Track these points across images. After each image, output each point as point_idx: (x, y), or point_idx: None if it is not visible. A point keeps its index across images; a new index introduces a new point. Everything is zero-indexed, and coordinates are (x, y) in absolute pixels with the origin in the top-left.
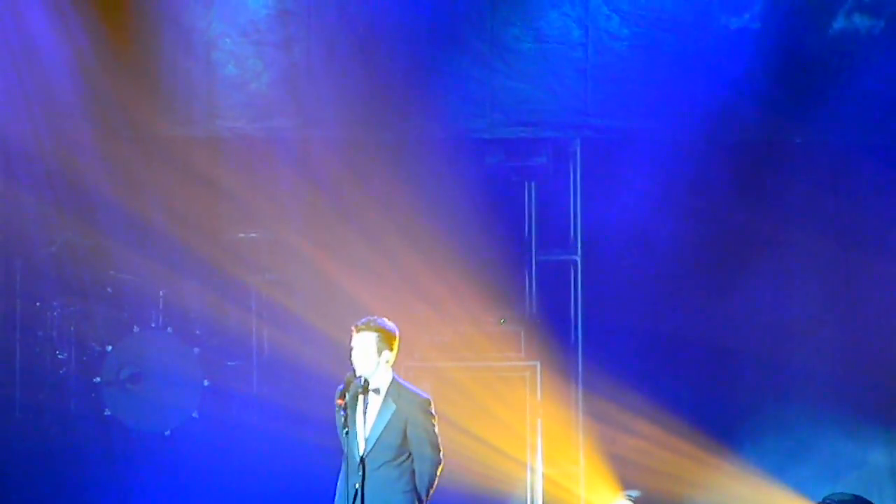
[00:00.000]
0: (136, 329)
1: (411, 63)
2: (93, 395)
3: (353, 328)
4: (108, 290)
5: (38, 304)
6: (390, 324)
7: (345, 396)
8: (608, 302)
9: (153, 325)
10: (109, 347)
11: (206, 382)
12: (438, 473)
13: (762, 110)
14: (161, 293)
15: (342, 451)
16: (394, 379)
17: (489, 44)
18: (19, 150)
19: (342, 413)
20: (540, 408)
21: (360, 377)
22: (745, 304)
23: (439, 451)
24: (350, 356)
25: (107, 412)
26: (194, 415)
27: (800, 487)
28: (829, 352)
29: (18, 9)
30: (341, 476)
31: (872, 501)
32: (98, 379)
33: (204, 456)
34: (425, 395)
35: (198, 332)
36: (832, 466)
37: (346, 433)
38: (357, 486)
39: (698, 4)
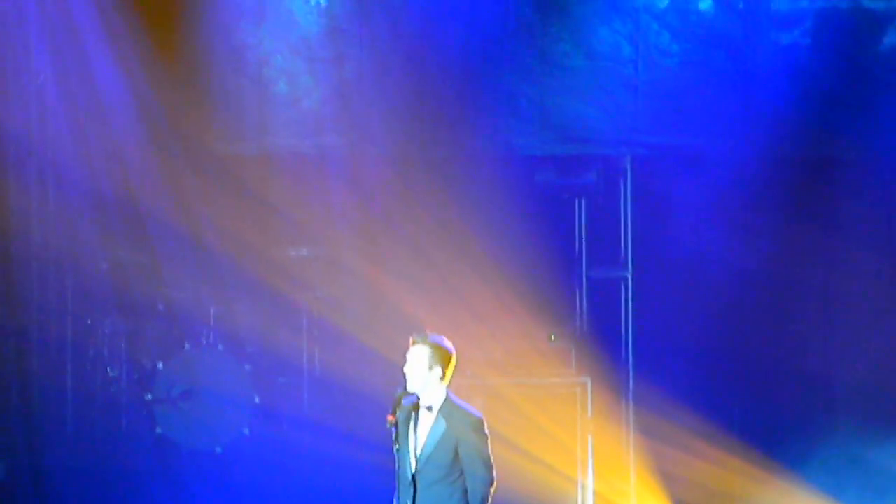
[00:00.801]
0: (186, 346)
1: (462, 79)
2: (144, 412)
3: (417, 343)
4: (160, 307)
5: (89, 321)
6: (448, 342)
7: (395, 414)
8: (659, 319)
9: (204, 343)
10: (160, 364)
11: (256, 400)
12: (492, 492)
13: (813, 126)
14: (212, 310)
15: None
16: (447, 397)
17: (540, 60)
18: (71, 170)
19: (393, 430)
20: (590, 424)
21: (412, 394)
22: (797, 321)
23: (492, 469)
24: (406, 368)
25: (158, 430)
26: (245, 432)
27: (844, 501)
28: (883, 367)
29: (72, 27)
30: (395, 496)
31: None
32: (149, 396)
33: (255, 474)
34: (478, 413)
35: (248, 349)
36: (882, 483)
37: (398, 450)
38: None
39: (748, 21)
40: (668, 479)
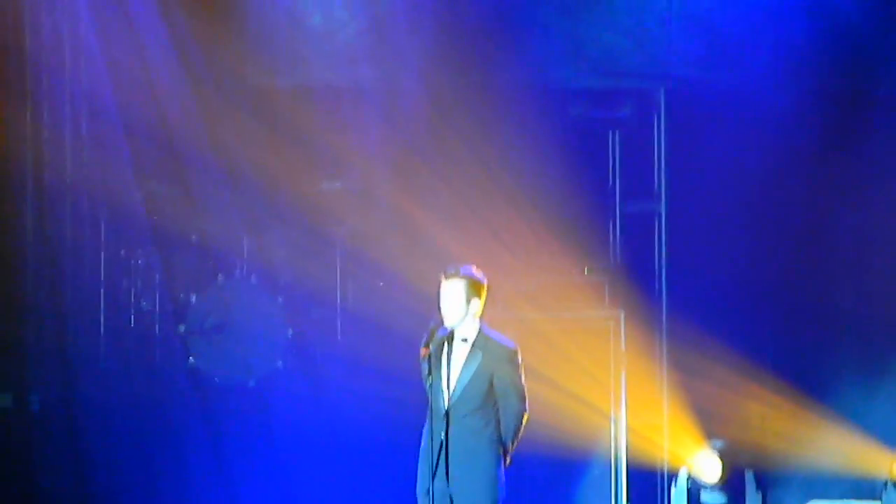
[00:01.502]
0: (220, 279)
1: (496, 12)
2: (177, 345)
3: (441, 275)
4: (193, 239)
5: (122, 254)
6: (479, 272)
7: (429, 346)
8: (693, 253)
9: (237, 275)
10: (193, 297)
11: (290, 333)
12: (524, 423)
13: (846, 61)
14: (245, 243)
15: (427, 402)
16: (481, 328)
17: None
18: (104, 101)
19: (426, 364)
20: (624, 358)
21: (445, 327)
22: (832, 256)
23: (525, 400)
24: (437, 305)
25: (191, 362)
26: (279, 365)
27: (886, 438)
28: None
29: None
30: (426, 428)
31: None
32: (182, 329)
33: (289, 407)
34: (512, 344)
35: (282, 282)
36: None
37: (431, 384)
38: (442, 436)
39: None
40: (701, 413)
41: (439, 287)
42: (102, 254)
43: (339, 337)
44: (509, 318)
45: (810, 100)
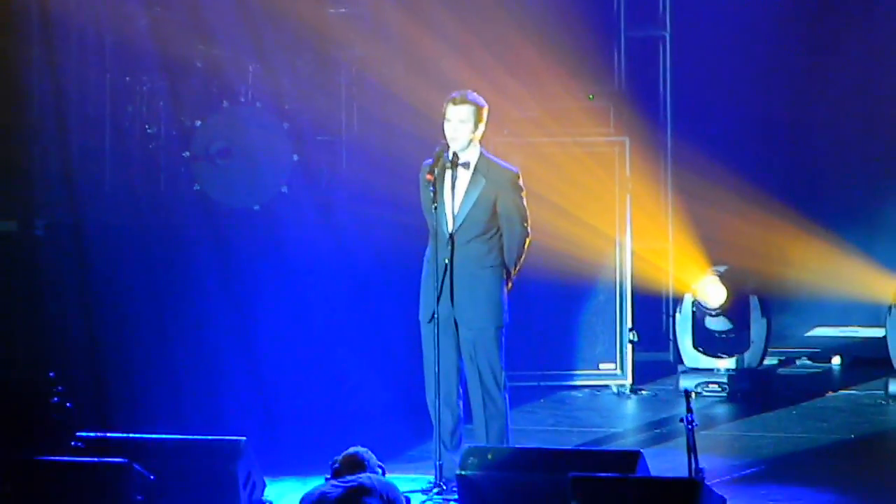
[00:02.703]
0: (225, 104)
1: None
2: (182, 169)
3: (448, 101)
4: (198, 64)
5: (127, 78)
6: (481, 98)
7: (434, 172)
8: (698, 79)
9: (242, 100)
10: (198, 122)
11: (295, 158)
12: (526, 247)
13: None
14: (251, 68)
15: (428, 228)
16: (482, 153)
17: None
18: None
19: (431, 189)
20: (629, 183)
21: (447, 152)
22: (830, 85)
23: (527, 223)
24: (442, 131)
25: (196, 187)
26: (283, 190)
27: (890, 264)
28: None
29: None
30: (429, 253)
31: None
32: (187, 153)
33: (295, 231)
34: (514, 168)
35: (287, 107)
36: None
37: (435, 208)
38: (446, 261)
39: None
40: (706, 239)
41: (445, 112)
42: (107, 79)
43: (343, 161)
44: (515, 142)
45: None
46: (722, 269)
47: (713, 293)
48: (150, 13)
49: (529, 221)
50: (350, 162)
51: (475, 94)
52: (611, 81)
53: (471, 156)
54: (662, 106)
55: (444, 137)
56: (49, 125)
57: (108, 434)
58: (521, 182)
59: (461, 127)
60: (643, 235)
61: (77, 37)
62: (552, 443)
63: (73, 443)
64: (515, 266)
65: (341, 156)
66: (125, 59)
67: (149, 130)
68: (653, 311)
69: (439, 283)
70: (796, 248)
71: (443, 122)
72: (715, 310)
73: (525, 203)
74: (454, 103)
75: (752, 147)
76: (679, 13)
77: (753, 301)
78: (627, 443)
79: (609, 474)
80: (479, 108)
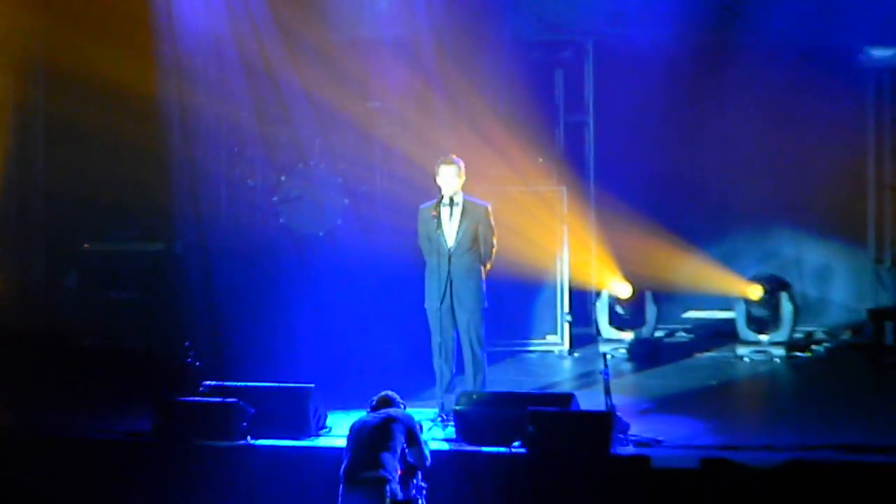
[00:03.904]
0: (300, 165)
1: None
2: (272, 209)
3: (441, 162)
4: (282, 139)
5: (236, 148)
6: (461, 160)
7: (437, 210)
8: (611, 147)
9: (311, 163)
10: (283, 177)
11: (346, 201)
12: (494, 254)
13: (719, 15)
14: (317, 142)
15: (425, 254)
16: (464, 196)
17: None
18: (229, 53)
19: (435, 221)
20: (567, 218)
21: (444, 196)
22: (710, 151)
23: (495, 239)
24: (437, 181)
25: (281, 220)
26: (338, 222)
27: (739, 270)
28: (767, 184)
29: None
30: (430, 266)
31: (789, 282)
32: (275, 198)
33: (347, 249)
34: (486, 203)
35: (340, 168)
36: (755, 257)
37: (439, 234)
38: (447, 269)
39: None
40: (616, 253)
41: (438, 170)
42: (224, 149)
43: (378, 204)
44: (490, 189)
45: (691, 47)
46: (627, 273)
47: (621, 289)
48: (254, 102)
49: (496, 239)
50: (382, 205)
51: (458, 157)
52: (554, 150)
53: (458, 198)
54: (588, 166)
55: (440, 187)
56: (185, 181)
57: (224, 383)
58: (490, 213)
59: (453, 178)
60: (575, 251)
61: (203, 118)
62: (516, 388)
63: (200, 388)
64: (488, 263)
65: (376, 201)
66: (236, 134)
67: (250, 182)
68: (582, 301)
69: (442, 284)
70: (676, 260)
71: (435, 177)
72: (622, 300)
73: (493, 227)
74: (446, 164)
75: (648, 192)
76: (599, 105)
77: (648, 294)
78: (565, 388)
79: (553, 408)
80: (461, 166)
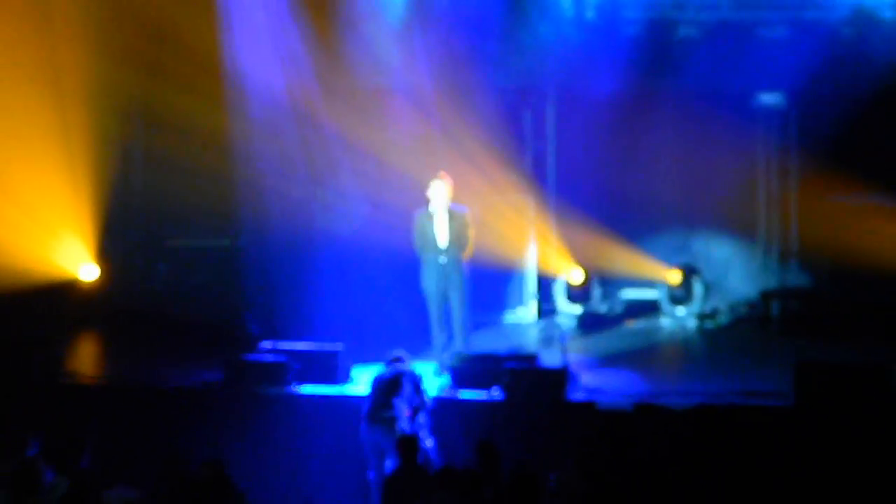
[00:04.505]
0: (332, 181)
1: (472, 53)
2: (314, 214)
3: (435, 179)
4: (319, 162)
5: (284, 170)
6: (449, 177)
7: (431, 217)
8: (568, 169)
9: (341, 180)
10: (320, 190)
11: (367, 208)
12: (471, 245)
13: (646, 70)
14: (345, 164)
15: (419, 254)
16: (450, 205)
17: (509, 47)
18: (277, 94)
19: (430, 224)
20: (534, 221)
21: (436, 205)
22: (642, 171)
23: (471, 232)
24: (429, 194)
25: (318, 223)
26: (361, 224)
27: (663, 260)
28: (684, 196)
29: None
30: (426, 261)
31: (700, 269)
32: (314, 206)
33: (369, 241)
34: (466, 209)
35: (362, 181)
36: (675, 250)
37: (434, 234)
38: (443, 261)
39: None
40: (572, 248)
41: (431, 185)
42: (274, 169)
43: (390, 213)
44: (475, 200)
45: (629, 91)
46: (579, 262)
47: (574, 274)
48: (298, 134)
49: (472, 233)
50: (393, 211)
51: (447, 176)
52: (523, 170)
53: (447, 206)
54: (549, 182)
55: (432, 198)
56: (246, 193)
57: (275, 344)
58: (468, 216)
59: (444, 192)
60: (540, 246)
61: (259, 147)
62: (494, 349)
63: (258, 349)
64: (468, 249)
65: (389, 209)
66: (284, 158)
67: (295, 194)
68: (545, 284)
69: (438, 272)
70: (616, 252)
71: (428, 191)
72: (575, 283)
73: (471, 226)
74: (438, 180)
75: (595, 202)
76: (557, 136)
77: (595, 278)
78: (531, 349)
79: (522, 364)
80: (450, 182)
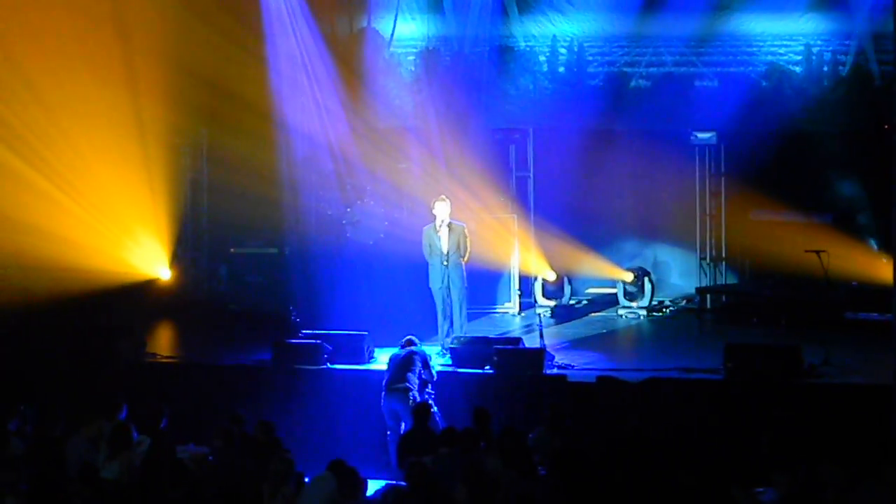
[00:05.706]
0: (359, 201)
1: (468, 101)
2: (342, 229)
3: (437, 200)
4: (348, 186)
5: (321, 192)
6: (449, 198)
7: (436, 229)
8: (546, 192)
9: (367, 199)
10: (349, 209)
11: (386, 223)
12: (469, 252)
13: (606, 113)
14: (368, 187)
15: (426, 259)
16: (451, 220)
17: (494, 92)
18: (317, 141)
19: (435, 235)
20: (517, 233)
21: (439, 221)
22: (604, 193)
23: (470, 244)
24: (434, 212)
25: (348, 235)
26: (381, 236)
27: (620, 264)
28: (637, 213)
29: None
30: (432, 265)
31: (649, 271)
32: (344, 221)
33: (386, 251)
34: (463, 223)
35: (383, 201)
36: (630, 255)
37: (438, 244)
38: (445, 264)
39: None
40: (547, 254)
41: (435, 205)
42: (313, 192)
43: (404, 227)
44: (469, 216)
45: (593, 129)
46: (553, 265)
47: (549, 275)
48: (333, 164)
49: (471, 245)
50: (406, 226)
51: (448, 197)
52: (509, 192)
53: (448, 221)
54: (529, 202)
55: (436, 215)
56: (291, 211)
57: (314, 331)
58: (466, 230)
59: (445, 210)
60: (522, 253)
61: (301, 175)
62: (486, 334)
63: (300, 334)
64: (466, 256)
65: (403, 223)
66: (321, 184)
67: (329, 212)
68: (526, 283)
69: (442, 273)
70: (583, 257)
71: (432, 209)
72: (550, 282)
73: (468, 236)
74: (441, 201)
75: (567, 217)
76: (536, 165)
77: (566, 278)
78: (515, 334)
79: (509, 346)
80: (450, 203)
